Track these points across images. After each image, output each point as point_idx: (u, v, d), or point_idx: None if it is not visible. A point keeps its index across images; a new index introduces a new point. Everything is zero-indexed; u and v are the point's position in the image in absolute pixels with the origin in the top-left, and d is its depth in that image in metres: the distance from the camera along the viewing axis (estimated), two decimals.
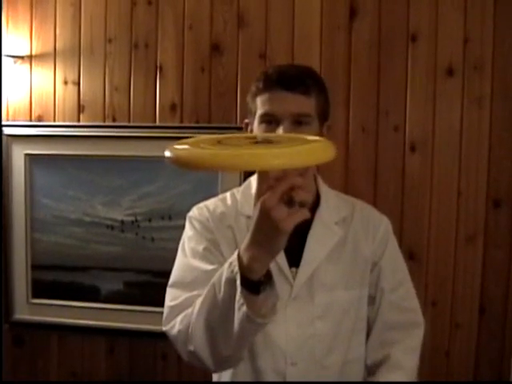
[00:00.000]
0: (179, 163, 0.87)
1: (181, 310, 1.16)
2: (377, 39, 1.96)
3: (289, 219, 0.89)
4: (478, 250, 1.92)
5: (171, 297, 1.22)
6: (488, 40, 1.89)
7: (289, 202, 0.90)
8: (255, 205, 0.94)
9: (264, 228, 0.92)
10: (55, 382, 2.28)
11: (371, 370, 1.31)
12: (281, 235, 0.91)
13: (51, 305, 2.22)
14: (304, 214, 0.90)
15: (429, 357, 1.95)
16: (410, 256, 1.93)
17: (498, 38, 1.88)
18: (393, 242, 1.34)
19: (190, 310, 1.13)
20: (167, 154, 0.89)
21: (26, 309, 2.25)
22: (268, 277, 0.99)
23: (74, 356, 2.26)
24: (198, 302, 1.10)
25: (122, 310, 2.16)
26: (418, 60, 1.93)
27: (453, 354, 1.95)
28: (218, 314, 1.04)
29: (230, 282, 0.99)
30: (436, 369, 1.96)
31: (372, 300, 1.31)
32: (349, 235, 1.29)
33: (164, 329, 1.20)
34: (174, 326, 1.16)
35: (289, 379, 1.22)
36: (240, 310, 0.97)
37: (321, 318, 1.23)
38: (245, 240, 0.98)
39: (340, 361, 1.26)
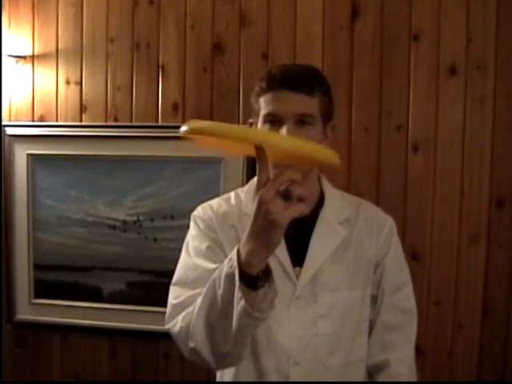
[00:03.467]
0: (194, 131, 0.92)
1: (183, 308, 1.17)
2: (379, 39, 1.95)
3: (285, 213, 0.90)
4: (481, 250, 1.91)
5: (174, 295, 1.23)
6: (491, 39, 1.88)
7: (286, 196, 0.91)
8: (254, 198, 0.95)
9: (261, 221, 0.93)
10: (58, 382, 2.28)
11: (370, 372, 1.31)
12: (277, 229, 0.92)
13: (54, 305, 2.22)
14: (300, 208, 0.91)
15: (431, 357, 1.95)
16: (413, 256, 1.93)
17: (500, 38, 1.88)
18: (396, 243, 1.34)
19: (191, 307, 1.14)
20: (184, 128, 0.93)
21: (29, 309, 2.25)
22: (267, 272, 1.00)
23: (76, 356, 2.25)
24: (199, 298, 1.11)
25: (124, 310, 2.16)
26: (421, 59, 1.93)
27: (456, 354, 1.95)
28: (217, 310, 1.05)
29: (229, 277, 1.00)
30: (439, 369, 1.96)
31: (375, 300, 1.31)
32: (353, 235, 1.29)
33: (166, 326, 1.21)
34: (176, 324, 1.17)
35: (291, 379, 1.22)
36: (238, 305, 0.98)
37: (324, 318, 1.23)
38: (244, 235, 0.99)
39: (343, 361, 1.26)
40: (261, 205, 0.92)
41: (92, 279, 2.19)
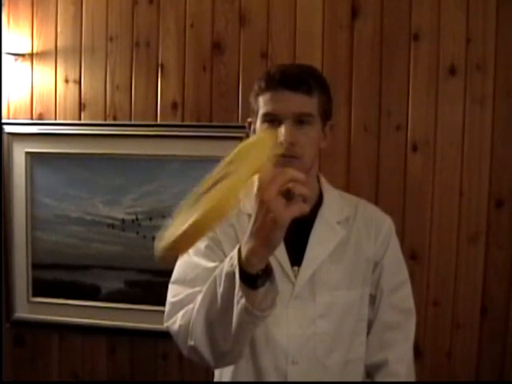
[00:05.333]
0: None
1: (182, 306, 1.17)
2: (379, 38, 1.95)
3: (285, 212, 0.90)
4: (480, 250, 1.91)
5: (173, 293, 1.23)
6: (490, 39, 1.88)
7: (287, 195, 0.91)
8: (256, 197, 0.95)
9: (261, 220, 0.93)
10: (56, 381, 2.27)
11: (369, 371, 1.31)
12: (277, 228, 0.92)
13: (52, 304, 2.22)
14: (301, 207, 0.91)
15: (430, 357, 1.95)
16: (412, 256, 1.93)
17: (500, 38, 1.88)
18: (395, 243, 1.34)
19: (191, 305, 1.14)
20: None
21: (27, 308, 2.24)
22: (268, 271, 1.00)
23: (74, 355, 2.25)
24: (199, 297, 1.11)
25: (122, 309, 2.16)
26: (420, 59, 1.93)
27: (454, 355, 1.95)
28: (217, 308, 1.04)
29: (230, 275, 1.00)
30: (437, 369, 1.96)
31: (373, 299, 1.31)
32: (351, 235, 1.29)
33: (165, 324, 1.21)
34: (175, 322, 1.17)
35: (290, 378, 1.22)
36: (239, 304, 0.98)
37: (322, 318, 1.23)
38: (246, 234, 0.99)
39: (341, 360, 1.26)
40: (262, 203, 0.93)
41: (90, 278, 2.19)
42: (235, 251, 1.01)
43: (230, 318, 1.01)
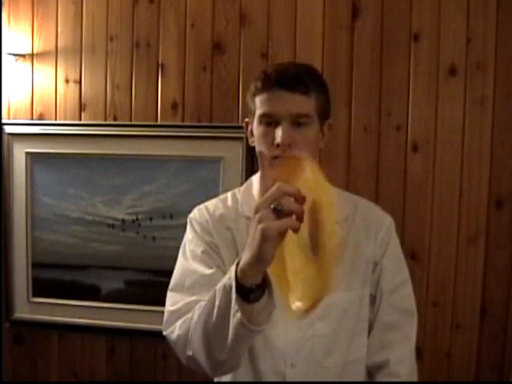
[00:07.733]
0: None
1: (180, 315, 1.16)
2: (379, 39, 1.95)
3: (272, 224, 0.88)
4: (480, 251, 1.91)
5: (171, 301, 1.21)
6: (490, 40, 1.88)
7: (276, 209, 0.89)
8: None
9: (253, 231, 0.91)
10: (56, 381, 2.27)
11: (370, 372, 1.30)
12: (266, 240, 0.89)
13: (51, 303, 2.22)
14: (290, 223, 0.88)
15: (429, 358, 1.95)
16: (412, 256, 1.92)
17: (500, 38, 1.87)
18: (395, 242, 1.33)
19: (189, 314, 1.13)
20: None
21: (27, 307, 2.24)
22: (265, 285, 0.98)
23: (74, 355, 2.25)
24: (198, 306, 1.10)
25: (122, 309, 2.16)
26: (421, 60, 1.92)
27: (454, 355, 1.95)
28: (214, 319, 1.03)
29: (227, 287, 0.99)
30: (437, 370, 1.95)
31: (373, 300, 1.30)
32: (350, 235, 1.28)
33: (164, 333, 1.20)
34: (173, 331, 1.16)
35: (288, 381, 1.21)
36: (234, 317, 0.97)
37: (321, 319, 1.22)
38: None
39: (340, 362, 1.25)
40: (255, 214, 0.91)
41: (90, 278, 2.19)
42: (235, 263, 0.99)
43: (227, 330, 0.99)
